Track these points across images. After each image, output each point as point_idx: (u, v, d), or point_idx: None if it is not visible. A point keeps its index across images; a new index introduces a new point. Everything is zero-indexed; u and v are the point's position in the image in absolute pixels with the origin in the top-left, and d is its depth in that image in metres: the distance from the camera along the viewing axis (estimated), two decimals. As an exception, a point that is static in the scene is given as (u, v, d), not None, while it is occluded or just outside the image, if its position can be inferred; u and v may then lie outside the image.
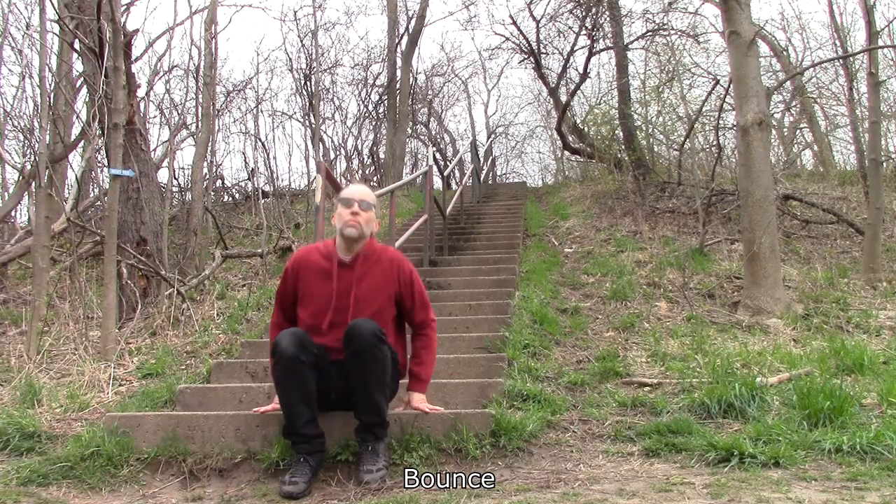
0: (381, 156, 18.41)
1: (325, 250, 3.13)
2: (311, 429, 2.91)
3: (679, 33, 12.97)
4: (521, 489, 2.62)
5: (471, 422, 3.11)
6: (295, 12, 27.32)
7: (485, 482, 2.70)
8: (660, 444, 3.07)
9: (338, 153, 19.05)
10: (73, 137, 9.69)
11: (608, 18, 13.07)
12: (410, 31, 17.87)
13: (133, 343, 5.28)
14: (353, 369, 2.87)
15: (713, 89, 10.17)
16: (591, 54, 13.55)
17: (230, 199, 13.29)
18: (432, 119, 23.12)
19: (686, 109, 11.78)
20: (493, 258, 7.55)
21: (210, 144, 10.71)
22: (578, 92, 14.78)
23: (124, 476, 3.01)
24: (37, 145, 6.75)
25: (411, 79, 18.37)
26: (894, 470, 2.68)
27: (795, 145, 15.37)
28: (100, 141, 7.20)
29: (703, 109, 10.78)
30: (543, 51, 14.26)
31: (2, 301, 7.10)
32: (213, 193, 11.62)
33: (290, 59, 19.64)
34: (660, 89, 12.40)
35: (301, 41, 17.51)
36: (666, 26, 12.90)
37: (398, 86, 17.07)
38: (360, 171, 19.04)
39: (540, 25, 13.64)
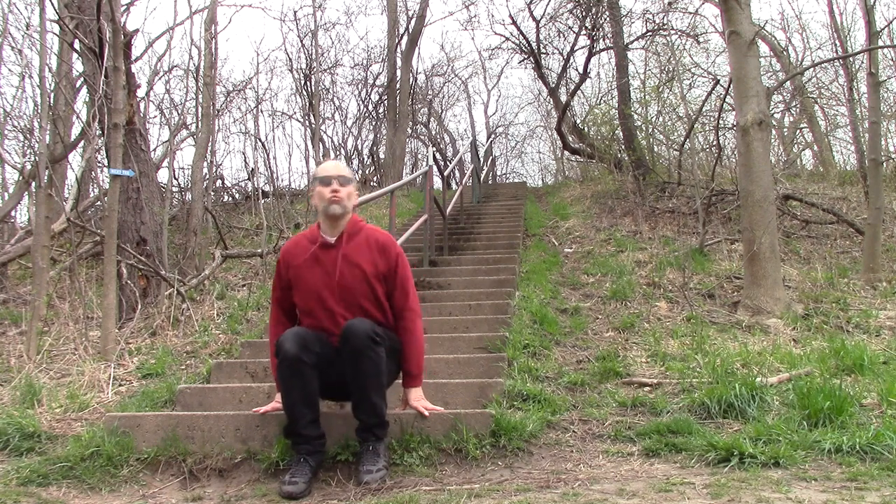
0: (381, 156, 18.43)
1: (310, 235, 3.15)
2: (313, 430, 2.91)
3: (679, 33, 12.99)
4: (521, 489, 2.62)
5: (471, 422, 3.11)
6: (295, 12, 27.32)
7: (485, 482, 2.70)
8: (660, 444, 3.07)
9: (338, 153, 19.09)
10: (73, 137, 9.71)
11: (608, 18, 13.07)
12: (410, 31, 17.87)
13: (133, 343, 5.28)
14: (350, 370, 2.87)
15: (713, 89, 10.17)
16: (591, 54, 13.56)
17: (230, 199, 13.30)
18: (432, 119, 23.15)
19: (686, 109, 11.79)
20: (493, 258, 7.55)
21: (210, 144, 10.72)
22: (578, 92, 14.81)
23: (124, 476, 3.01)
24: (37, 145, 6.75)
25: (411, 79, 18.37)
26: (894, 470, 2.68)
27: (795, 145, 15.39)
28: (100, 141, 7.21)
29: (703, 109, 10.79)
30: (543, 51, 14.28)
31: (2, 301, 7.10)
32: (213, 193, 11.62)
33: (290, 59, 19.63)
34: (660, 89, 12.40)
35: (301, 41, 17.54)
36: (666, 26, 12.92)
37: (398, 86, 17.07)
38: (360, 171, 19.06)
39: (540, 25, 13.66)
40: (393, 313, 3.13)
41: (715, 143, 9.87)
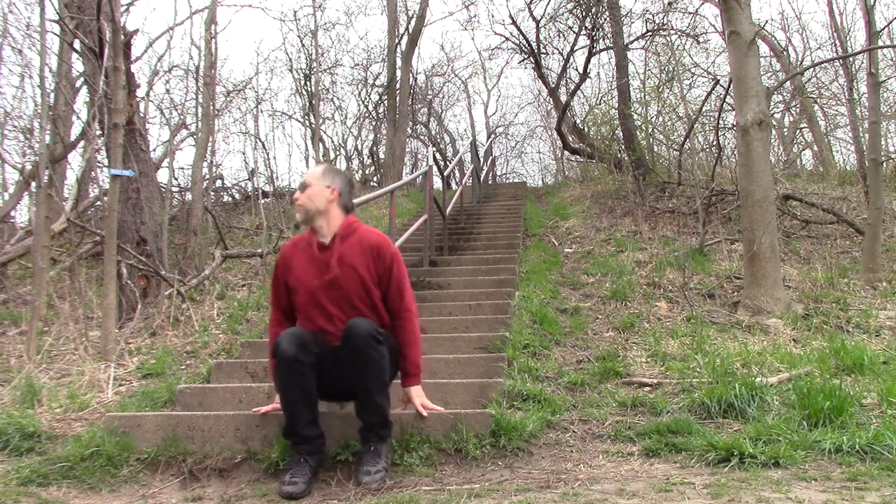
0: (381, 156, 18.43)
1: (308, 237, 3.17)
2: (312, 430, 2.91)
3: (679, 33, 12.99)
4: (521, 489, 2.62)
5: (471, 422, 3.11)
6: (295, 12, 27.41)
7: (485, 482, 2.69)
8: (660, 444, 3.07)
9: (338, 153, 19.10)
10: (73, 137, 9.72)
11: (608, 18, 13.08)
12: (410, 31, 17.87)
13: (133, 343, 5.28)
14: (353, 369, 2.87)
15: (713, 89, 10.17)
16: (590, 54, 13.56)
17: (230, 199, 13.30)
18: (432, 119, 23.14)
19: (686, 109, 11.79)
20: (493, 258, 7.54)
21: (210, 144, 10.72)
22: (578, 92, 14.82)
23: (124, 476, 3.01)
24: (37, 145, 6.75)
25: (411, 79, 18.36)
26: (894, 470, 2.68)
27: (795, 145, 15.39)
28: (100, 141, 7.21)
29: (703, 109, 10.79)
30: (543, 51, 14.28)
31: (2, 301, 7.09)
32: (213, 193, 11.61)
33: (290, 59, 19.64)
34: (660, 89, 12.40)
35: (301, 41, 17.59)
36: (666, 26, 12.92)
37: (398, 86, 17.07)
38: (360, 171, 19.07)
39: (540, 25, 13.66)
40: (389, 314, 3.12)
41: (715, 143, 9.87)
